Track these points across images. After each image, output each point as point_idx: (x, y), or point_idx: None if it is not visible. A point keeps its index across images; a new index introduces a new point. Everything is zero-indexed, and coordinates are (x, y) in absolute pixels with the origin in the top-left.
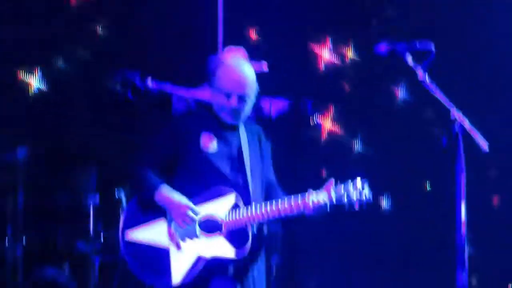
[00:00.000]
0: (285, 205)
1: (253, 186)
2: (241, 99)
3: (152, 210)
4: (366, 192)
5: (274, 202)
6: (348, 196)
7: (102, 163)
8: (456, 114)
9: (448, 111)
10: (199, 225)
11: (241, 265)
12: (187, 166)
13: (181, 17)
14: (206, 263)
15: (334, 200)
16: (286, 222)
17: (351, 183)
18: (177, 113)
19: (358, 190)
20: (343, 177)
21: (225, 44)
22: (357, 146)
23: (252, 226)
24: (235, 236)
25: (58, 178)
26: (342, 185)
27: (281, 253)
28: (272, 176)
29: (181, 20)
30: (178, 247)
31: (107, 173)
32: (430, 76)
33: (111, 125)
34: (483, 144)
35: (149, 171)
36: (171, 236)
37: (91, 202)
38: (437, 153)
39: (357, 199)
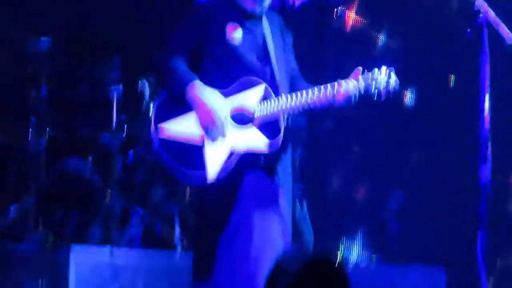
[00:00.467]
0: (315, 94)
1: (280, 77)
2: None
3: (183, 104)
4: (393, 80)
5: (304, 92)
6: (376, 84)
7: (126, 53)
8: (481, 4)
9: (473, 1)
10: (231, 117)
11: (273, 157)
12: (214, 57)
13: None
14: (240, 157)
15: (362, 88)
16: (312, 114)
17: (378, 72)
18: (199, 2)
19: (385, 78)
20: (367, 68)
21: None
22: (382, 38)
23: (283, 117)
24: (267, 127)
25: (81, 69)
26: (370, 74)
27: (305, 146)
28: (295, 67)
29: None
30: (213, 138)
31: (130, 64)
32: None
33: (134, 14)
34: (507, 36)
35: (180, 63)
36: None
37: (114, 94)
38: (462, 45)
39: (384, 87)
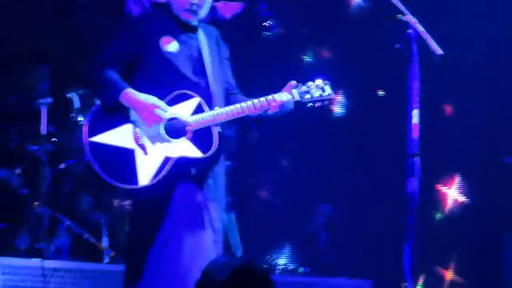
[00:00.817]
0: (249, 107)
1: (215, 90)
2: None
3: (116, 115)
4: (327, 94)
5: (238, 105)
6: (310, 97)
7: (54, 64)
8: (410, 18)
9: (402, 14)
10: (165, 129)
11: (205, 170)
12: (148, 69)
13: None
14: (174, 162)
15: (296, 97)
16: (243, 127)
17: (313, 84)
18: (133, 15)
19: (319, 91)
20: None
21: None
22: (312, 51)
23: (216, 130)
24: (200, 140)
25: (10, 79)
26: (304, 86)
27: (234, 158)
28: (231, 80)
29: None
30: (144, 150)
31: (59, 74)
32: None
33: (65, 26)
34: (436, 48)
35: (113, 73)
36: (136, 139)
37: (44, 104)
38: (392, 59)
39: (317, 100)
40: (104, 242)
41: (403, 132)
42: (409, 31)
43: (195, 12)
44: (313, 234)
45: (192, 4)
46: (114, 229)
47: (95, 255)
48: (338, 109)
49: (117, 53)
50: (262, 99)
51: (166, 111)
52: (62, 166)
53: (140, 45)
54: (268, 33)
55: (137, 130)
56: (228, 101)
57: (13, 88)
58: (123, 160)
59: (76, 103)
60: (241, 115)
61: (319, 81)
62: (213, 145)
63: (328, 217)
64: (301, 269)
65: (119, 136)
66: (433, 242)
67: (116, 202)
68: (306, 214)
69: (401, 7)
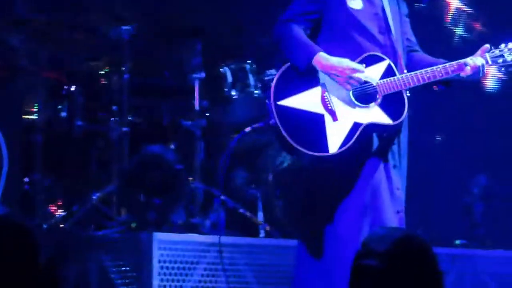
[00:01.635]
0: (442, 68)
1: (399, 48)
2: None
3: (305, 78)
4: None
5: (429, 70)
6: (504, 57)
7: (207, 39)
8: None
9: None
10: (353, 94)
11: (393, 132)
12: (333, 27)
13: None
14: (363, 129)
15: (489, 61)
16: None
17: (505, 46)
18: None
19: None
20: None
21: None
22: None
23: (405, 95)
24: (390, 107)
25: (163, 55)
26: (497, 50)
27: None
28: (412, 37)
29: None
30: (334, 115)
31: (212, 49)
32: None
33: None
34: None
35: (302, 34)
36: (325, 104)
37: (197, 79)
38: None
39: (511, 59)
40: (260, 217)
41: None
42: None
43: None
44: (469, 205)
45: None
46: (269, 203)
47: (251, 230)
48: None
49: (302, 11)
50: (454, 63)
51: (363, 73)
52: (247, 129)
53: (324, 2)
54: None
55: (326, 94)
56: (410, 59)
57: (167, 63)
58: (312, 125)
59: (229, 77)
60: (432, 80)
61: (509, 44)
62: (404, 112)
63: (484, 188)
64: (457, 241)
65: (308, 100)
66: None
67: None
68: (461, 186)
69: None
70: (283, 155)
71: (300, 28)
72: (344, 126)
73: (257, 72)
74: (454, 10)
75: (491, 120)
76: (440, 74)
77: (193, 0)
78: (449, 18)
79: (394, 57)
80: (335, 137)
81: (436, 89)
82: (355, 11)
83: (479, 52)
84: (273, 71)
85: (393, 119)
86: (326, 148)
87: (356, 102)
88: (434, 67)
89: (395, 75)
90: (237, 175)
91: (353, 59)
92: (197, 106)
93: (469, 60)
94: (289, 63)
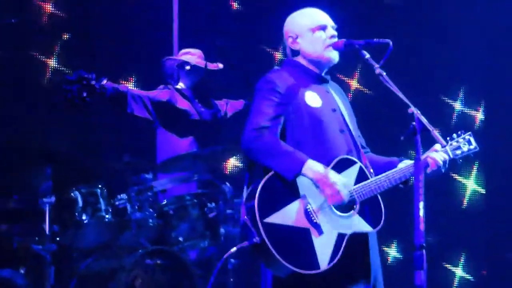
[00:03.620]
0: (411, 165)
1: (358, 145)
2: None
3: (285, 191)
4: (473, 142)
5: (398, 170)
6: (461, 149)
7: (58, 163)
8: (414, 109)
9: (406, 106)
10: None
11: (374, 239)
12: (297, 127)
13: (136, 21)
14: (347, 239)
15: (451, 155)
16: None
17: (460, 137)
18: (271, 75)
19: (467, 141)
20: None
21: (180, 47)
22: None
23: (379, 199)
24: (368, 210)
25: (14, 178)
26: (454, 141)
27: None
28: (361, 135)
29: (136, 24)
30: (319, 229)
31: (62, 173)
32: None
33: (67, 124)
34: (441, 141)
35: (283, 142)
36: (309, 217)
37: (47, 203)
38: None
39: (467, 150)
40: None
41: None
42: (413, 123)
43: (324, 66)
44: None
45: (332, 36)
46: None
47: None
48: None
49: (274, 116)
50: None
51: (350, 188)
52: (233, 250)
53: (287, 103)
54: None
55: (309, 207)
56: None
57: (17, 187)
58: (300, 241)
59: (80, 202)
60: (402, 180)
61: (465, 135)
62: (382, 218)
63: None
64: None
65: (292, 215)
66: None
67: None
68: None
69: (405, 99)
70: None
71: (276, 134)
72: (330, 238)
73: (108, 197)
74: None
75: None
76: (409, 173)
77: (44, 124)
78: None
79: (358, 156)
80: (324, 251)
81: (402, 186)
82: (315, 109)
83: (436, 147)
84: (124, 196)
85: (373, 226)
86: (317, 265)
87: (337, 212)
88: (403, 167)
89: (367, 178)
90: None
91: (322, 162)
92: (47, 231)
93: (433, 154)
94: (267, 177)
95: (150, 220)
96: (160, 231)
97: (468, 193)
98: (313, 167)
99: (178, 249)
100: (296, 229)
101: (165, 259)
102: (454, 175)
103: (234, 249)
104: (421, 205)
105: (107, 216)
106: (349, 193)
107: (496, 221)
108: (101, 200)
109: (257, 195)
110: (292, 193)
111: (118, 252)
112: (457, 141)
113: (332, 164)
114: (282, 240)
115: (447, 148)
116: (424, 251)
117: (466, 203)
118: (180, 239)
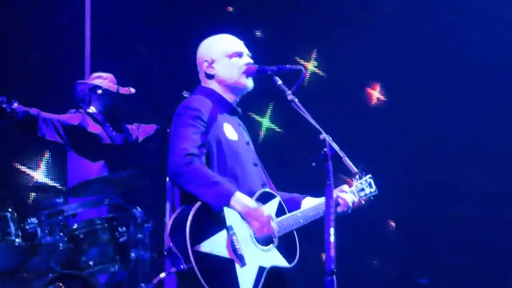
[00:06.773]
0: (322, 205)
1: (267, 176)
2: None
3: (213, 221)
4: (373, 185)
5: (314, 207)
6: (364, 191)
7: None
8: (325, 136)
9: (318, 132)
10: (254, 235)
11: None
12: (216, 158)
13: (47, 43)
14: (267, 272)
15: (357, 196)
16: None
17: (362, 179)
18: (194, 105)
19: (368, 183)
20: None
21: (92, 70)
22: None
23: (295, 235)
24: (285, 245)
25: None
26: (358, 182)
27: None
28: None
29: (48, 45)
30: (242, 260)
31: None
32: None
33: None
34: (352, 168)
35: (217, 175)
36: (234, 248)
37: None
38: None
39: (369, 192)
40: None
41: None
42: (325, 149)
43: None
44: None
45: (248, 64)
46: None
47: None
48: None
49: (200, 144)
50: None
51: (276, 224)
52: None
53: (209, 133)
54: None
55: (234, 238)
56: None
57: None
58: (225, 271)
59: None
60: (317, 217)
61: (367, 177)
62: (297, 255)
63: None
64: None
65: (219, 245)
66: None
67: None
68: None
69: (316, 125)
70: None
71: (203, 163)
72: (252, 270)
73: (18, 221)
74: None
75: None
76: (321, 211)
77: None
78: None
79: (271, 189)
80: (246, 282)
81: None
82: (232, 142)
83: (344, 188)
84: (34, 219)
85: (289, 261)
86: None
87: (258, 245)
88: (317, 205)
89: (285, 212)
90: None
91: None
92: None
93: (343, 196)
94: (198, 205)
95: (61, 244)
96: (70, 255)
97: None
98: (241, 200)
99: (88, 273)
100: (223, 259)
101: (75, 283)
102: None
103: (163, 274)
104: (332, 231)
105: (17, 240)
106: (277, 226)
107: None
108: (11, 223)
109: (188, 222)
110: (220, 223)
111: (28, 276)
112: (361, 183)
113: (255, 196)
114: (209, 269)
115: (353, 189)
116: (334, 276)
117: None
118: (90, 263)
